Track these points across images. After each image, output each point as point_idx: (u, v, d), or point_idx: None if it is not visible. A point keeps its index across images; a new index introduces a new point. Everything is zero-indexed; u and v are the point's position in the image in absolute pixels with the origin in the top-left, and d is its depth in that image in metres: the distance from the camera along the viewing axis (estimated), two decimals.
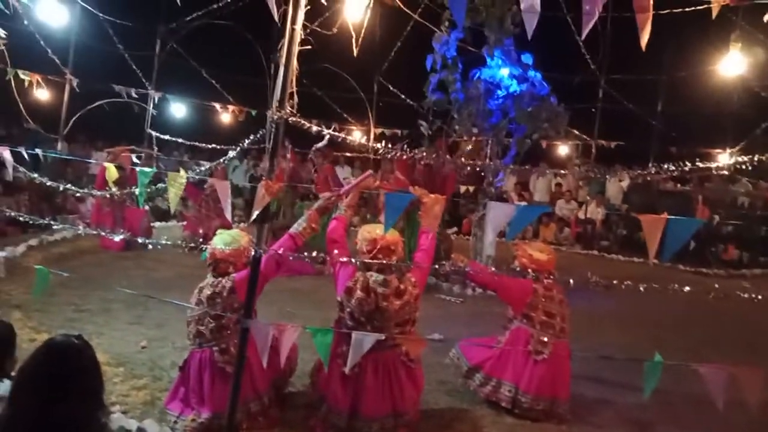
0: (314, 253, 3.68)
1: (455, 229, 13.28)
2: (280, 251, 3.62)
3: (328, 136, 3.50)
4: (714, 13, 3.46)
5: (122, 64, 11.35)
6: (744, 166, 3.09)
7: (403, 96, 12.27)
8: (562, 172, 9.32)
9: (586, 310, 6.82)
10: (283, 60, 3.28)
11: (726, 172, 11.46)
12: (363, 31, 3.88)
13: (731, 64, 4.85)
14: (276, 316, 5.86)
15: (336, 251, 3.80)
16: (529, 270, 4.34)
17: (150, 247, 8.02)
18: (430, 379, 4.45)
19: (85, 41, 10.99)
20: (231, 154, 3.88)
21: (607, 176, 12.43)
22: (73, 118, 10.86)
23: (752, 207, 11.89)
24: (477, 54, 8.33)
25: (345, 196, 4.05)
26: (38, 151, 6.73)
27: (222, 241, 3.83)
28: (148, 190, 4.35)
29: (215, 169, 8.00)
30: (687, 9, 3.38)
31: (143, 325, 5.63)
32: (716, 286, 4.14)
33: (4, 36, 6.49)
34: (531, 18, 3.32)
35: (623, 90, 12.57)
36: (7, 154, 5.39)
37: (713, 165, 3.12)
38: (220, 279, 3.73)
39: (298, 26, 3.28)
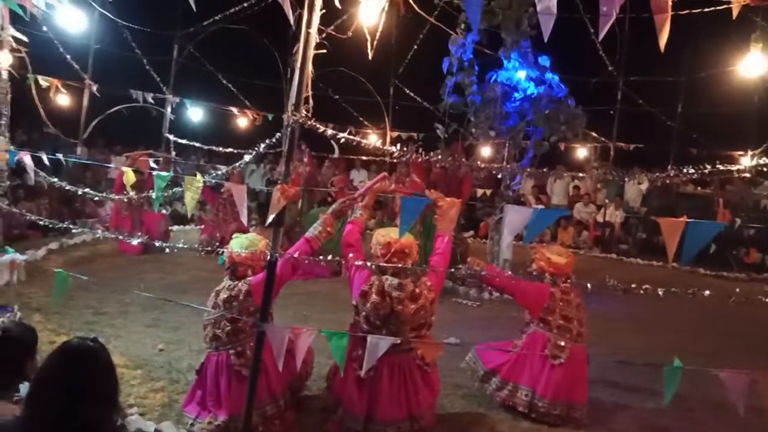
0: (329, 257, 3.67)
1: (472, 232, 13.23)
2: (296, 255, 3.62)
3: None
4: (735, 13, 3.41)
5: (140, 69, 11.47)
6: (765, 169, 3.03)
7: (419, 99, 12.25)
8: (580, 175, 9.21)
9: (604, 314, 6.75)
10: (298, 64, 3.29)
11: (748, 175, 11.29)
12: (378, 34, 3.88)
13: (752, 65, 4.77)
14: (291, 320, 5.87)
15: (351, 255, 3.79)
16: (547, 273, 4.32)
17: (167, 250, 8.10)
18: (447, 383, 4.43)
19: (103, 47, 11.14)
20: (247, 158, 3.89)
21: (626, 179, 12.31)
22: (93, 123, 11.00)
23: None
24: (493, 56, 8.30)
25: (360, 200, 4.05)
26: (59, 155, 6.82)
27: (239, 244, 3.86)
28: (166, 194, 4.38)
29: (231, 173, 8.04)
30: (706, 9, 3.33)
31: (160, 327, 5.68)
32: (737, 290, 4.06)
33: (25, 41, 6.58)
34: (547, 20, 3.30)
35: (642, 91, 12.44)
36: (27, 159, 5.48)
37: (734, 167, 3.06)
38: (236, 282, 3.75)
39: (314, 30, 3.29)
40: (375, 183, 4.21)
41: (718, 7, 3.28)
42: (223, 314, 3.67)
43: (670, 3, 3.10)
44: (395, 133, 13.49)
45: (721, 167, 3.04)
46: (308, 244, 3.75)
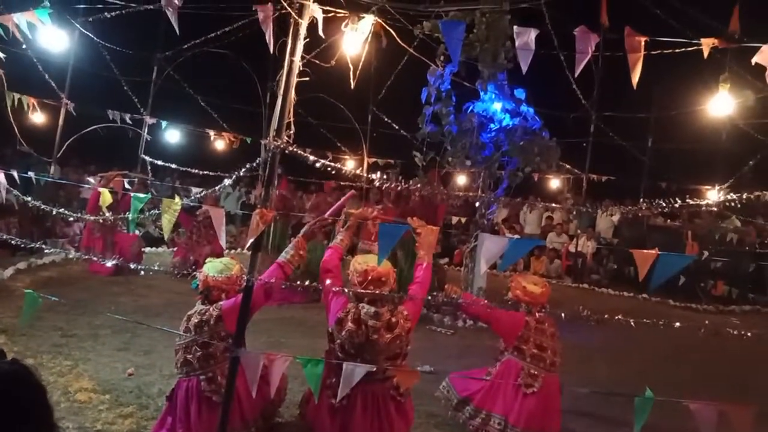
0: (306, 282, 3.66)
1: (446, 260, 13.29)
2: (272, 280, 3.60)
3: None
4: (705, 53, 3.56)
5: (118, 90, 11.42)
6: (732, 204, 3.14)
7: (397, 127, 12.38)
8: (553, 205, 9.37)
9: (577, 344, 6.81)
10: (281, 91, 3.33)
11: (715, 209, 11.58)
12: (361, 63, 3.94)
13: (720, 105, 4.95)
14: (265, 345, 5.82)
15: (328, 281, 3.79)
16: (522, 302, 4.36)
17: (142, 272, 7.99)
18: (420, 411, 4.42)
19: (82, 66, 11.08)
20: (226, 182, 3.90)
21: (598, 211, 12.56)
22: (67, 142, 10.87)
23: (741, 243, 11.98)
24: (471, 88, 8.45)
25: (330, 220, 4.06)
26: (30, 174, 6.73)
27: (214, 268, 3.82)
28: (141, 215, 4.35)
29: (206, 195, 8.01)
30: (677, 50, 3.47)
31: (131, 351, 5.57)
32: (707, 322, 4.16)
33: (2, 58, 6.51)
34: (526, 55, 3.41)
35: (615, 125, 12.74)
36: (0, 176, 5.39)
37: (701, 202, 3.17)
38: (208, 307, 3.70)
39: (297, 58, 3.34)
40: (344, 202, 4.22)
41: (688, 48, 3.42)
42: (194, 339, 3.62)
43: (643, 43, 3.23)
44: (372, 160, 13.58)
45: (690, 201, 3.14)
46: (281, 269, 3.72)
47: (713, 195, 11.62)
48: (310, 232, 3.99)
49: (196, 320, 3.66)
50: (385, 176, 3.56)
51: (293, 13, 3.30)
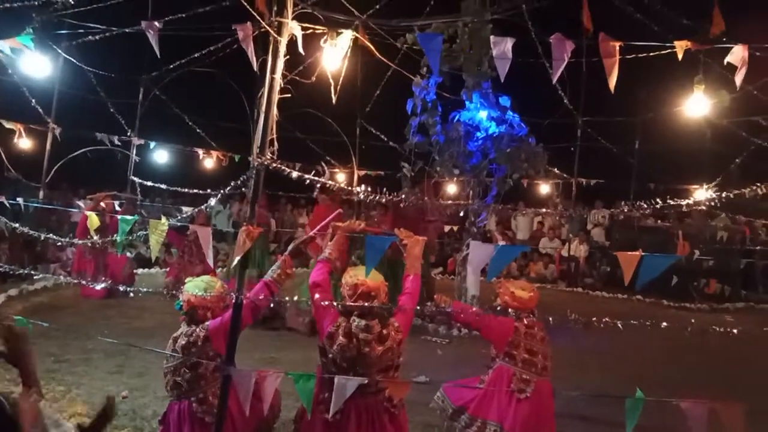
0: (295, 298, 3.67)
1: (441, 268, 13.33)
2: (260, 297, 3.59)
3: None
4: (680, 55, 3.62)
5: (105, 112, 11.45)
6: (717, 203, 3.18)
7: (385, 138, 12.44)
8: (543, 210, 9.43)
9: (568, 348, 6.83)
10: (263, 108, 3.36)
11: (704, 207, 11.66)
12: (341, 78, 3.98)
13: (696, 105, 5.02)
14: (258, 362, 5.81)
15: (317, 295, 3.79)
16: (511, 308, 4.37)
17: (132, 294, 7.96)
18: (416, 422, 4.42)
19: (68, 90, 11.09)
20: (212, 201, 3.91)
21: (587, 215, 12.64)
22: (56, 167, 10.86)
23: (731, 241, 12.07)
24: (456, 97, 8.51)
25: (317, 237, 4.06)
26: (19, 200, 6.72)
27: (196, 287, 3.77)
28: (130, 237, 4.35)
29: (197, 215, 7.99)
30: (651, 54, 3.53)
31: (124, 374, 5.55)
32: (692, 321, 4.19)
33: None
34: (503, 64, 3.46)
35: (601, 128, 12.85)
36: None
37: (683, 202, 3.20)
38: (194, 328, 3.67)
39: (278, 75, 3.37)
40: (331, 220, 4.23)
41: (662, 51, 3.48)
42: (183, 361, 3.58)
43: (617, 48, 3.28)
44: (362, 172, 13.63)
45: (672, 202, 3.18)
46: (267, 288, 3.68)
47: (701, 194, 11.70)
48: (297, 251, 3.99)
49: (183, 342, 3.63)
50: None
51: (272, 32, 3.33)
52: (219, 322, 3.58)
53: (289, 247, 4.02)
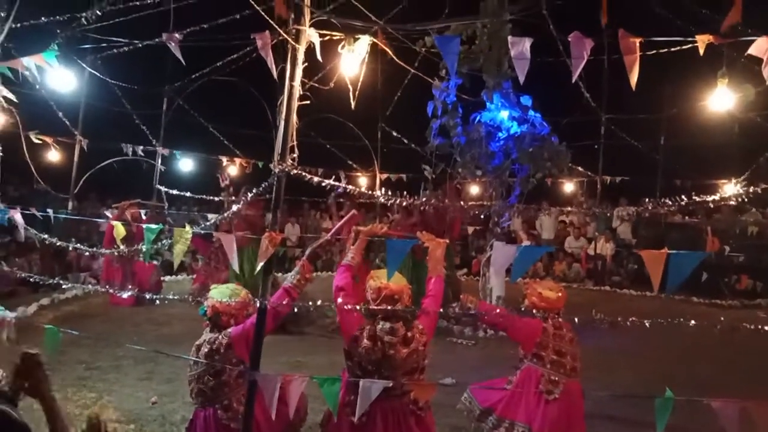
0: (318, 302, 3.68)
1: (465, 270, 13.27)
2: (283, 302, 3.61)
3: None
4: (702, 51, 3.56)
5: (130, 124, 11.64)
6: (746, 198, 3.11)
7: (406, 141, 12.44)
8: (568, 209, 9.34)
9: (597, 348, 6.75)
10: (283, 115, 3.39)
11: (733, 202, 11.43)
12: (360, 84, 3.99)
13: (720, 100, 4.93)
14: (284, 366, 5.84)
15: (340, 299, 3.80)
16: (538, 309, 4.33)
17: (158, 302, 8.06)
18: (443, 423, 4.41)
19: (93, 103, 11.32)
20: (234, 208, 3.95)
21: (610, 213, 12.46)
22: (84, 178, 11.08)
23: (762, 236, 11.81)
24: (477, 98, 8.48)
25: (334, 239, 4.07)
26: (49, 211, 6.86)
27: (221, 294, 3.82)
28: (156, 245, 4.41)
29: (221, 221, 8.01)
30: (673, 49, 3.48)
31: (154, 380, 5.64)
32: (722, 318, 4.10)
33: (15, 102, 6.68)
34: (522, 64, 3.44)
35: (625, 125, 12.68)
36: (18, 216, 5.52)
37: (710, 198, 3.14)
38: (216, 335, 3.71)
39: (297, 83, 3.39)
40: (345, 221, 4.24)
41: (683, 47, 3.43)
42: (206, 369, 3.62)
43: (638, 44, 3.25)
44: (384, 175, 13.64)
45: (697, 198, 3.13)
46: (287, 294, 3.70)
47: (730, 189, 11.47)
48: (314, 254, 4.00)
49: (206, 350, 3.67)
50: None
51: (290, 40, 3.36)
52: (241, 329, 3.62)
53: (307, 252, 4.04)
